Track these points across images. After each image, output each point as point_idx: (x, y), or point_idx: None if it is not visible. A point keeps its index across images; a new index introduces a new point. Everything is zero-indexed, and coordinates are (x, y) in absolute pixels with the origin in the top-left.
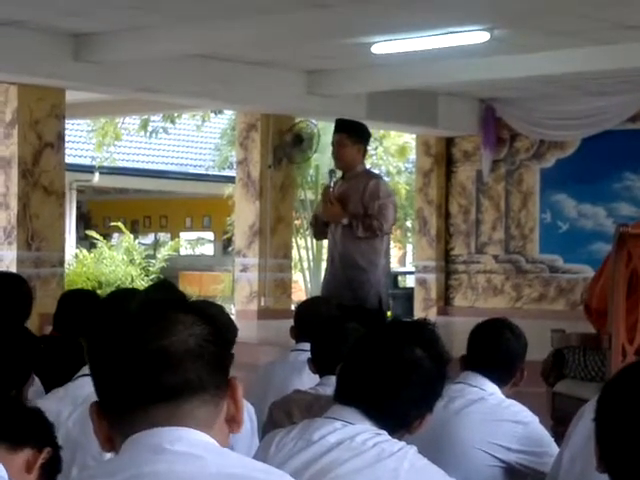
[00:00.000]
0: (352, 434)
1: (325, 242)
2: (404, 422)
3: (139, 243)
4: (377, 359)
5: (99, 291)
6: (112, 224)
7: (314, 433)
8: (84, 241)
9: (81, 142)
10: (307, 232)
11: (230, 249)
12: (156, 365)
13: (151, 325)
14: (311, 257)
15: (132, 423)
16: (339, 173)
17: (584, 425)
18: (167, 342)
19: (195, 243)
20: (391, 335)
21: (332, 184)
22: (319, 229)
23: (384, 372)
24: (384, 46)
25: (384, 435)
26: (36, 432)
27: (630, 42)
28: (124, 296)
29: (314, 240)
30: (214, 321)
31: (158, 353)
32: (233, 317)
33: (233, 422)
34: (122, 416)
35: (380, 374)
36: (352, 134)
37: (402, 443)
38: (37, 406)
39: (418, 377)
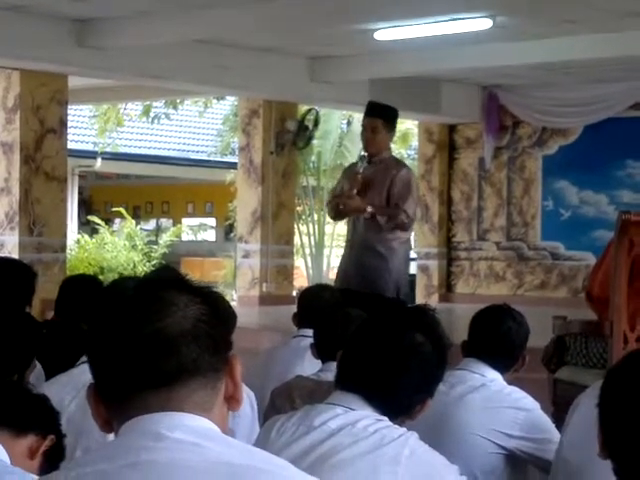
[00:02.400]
0: (353, 420)
1: (327, 228)
2: (405, 407)
3: (141, 229)
4: (378, 345)
5: (101, 277)
6: (114, 209)
7: (315, 419)
8: (86, 226)
9: (83, 128)
10: (309, 218)
11: (232, 235)
12: (150, 349)
13: (145, 308)
14: (313, 243)
15: (129, 408)
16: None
17: (580, 414)
18: (161, 325)
19: (197, 229)
20: (392, 321)
21: (361, 170)
22: (338, 210)
23: (385, 358)
24: (387, 33)
25: (385, 421)
26: (40, 419)
27: (633, 30)
28: (125, 284)
29: (316, 226)
30: (210, 299)
31: (152, 337)
32: (235, 303)
33: (232, 400)
34: (118, 401)
35: (381, 360)
36: (387, 120)
37: (403, 429)
38: (42, 393)
39: (418, 362)
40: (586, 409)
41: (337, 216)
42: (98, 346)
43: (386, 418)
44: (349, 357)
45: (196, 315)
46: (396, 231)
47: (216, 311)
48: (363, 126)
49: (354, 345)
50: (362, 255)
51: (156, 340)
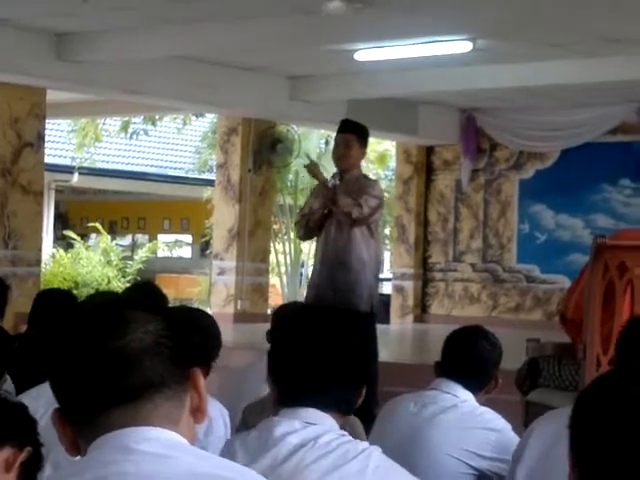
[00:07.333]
0: (314, 435)
1: (304, 247)
2: (349, 403)
3: (116, 244)
4: (303, 354)
5: (75, 291)
6: (90, 225)
7: (274, 430)
8: (61, 241)
9: (61, 142)
10: (285, 237)
11: (208, 252)
12: (114, 366)
13: (105, 326)
14: (289, 262)
15: (96, 427)
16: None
17: (537, 441)
18: (122, 342)
19: (173, 245)
20: (295, 331)
21: (330, 185)
22: (308, 228)
23: (308, 368)
24: (367, 53)
25: (347, 436)
26: (17, 430)
27: (612, 55)
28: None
29: (292, 245)
30: (169, 315)
31: (114, 354)
32: None
33: (198, 412)
34: (85, 421)
35: (305, 371)
36: (360, 136)
37: (365, 444)
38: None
39: (344, 354)
40: (541, 437)
41: (306, 235)
42: (60, 367)
43: (347, 433)
44: (285, 374)
45: (157, 330)
46: (367, 245)
47: (176, 325)
48: (336, 142)
49: (281, 363)
50: (334, 271)
51: (119, 357)
